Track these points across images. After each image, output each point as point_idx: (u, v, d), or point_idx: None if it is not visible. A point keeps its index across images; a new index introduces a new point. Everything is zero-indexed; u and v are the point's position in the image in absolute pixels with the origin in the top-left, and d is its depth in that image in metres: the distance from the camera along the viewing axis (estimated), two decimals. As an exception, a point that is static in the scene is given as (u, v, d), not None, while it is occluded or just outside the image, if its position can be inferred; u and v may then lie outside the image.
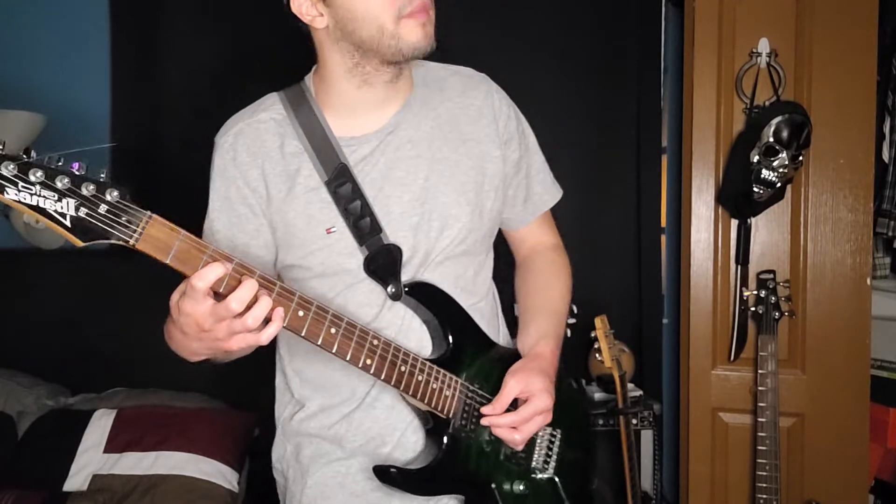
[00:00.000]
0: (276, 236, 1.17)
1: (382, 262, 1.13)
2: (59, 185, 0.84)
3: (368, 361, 1.06)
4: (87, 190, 0.86)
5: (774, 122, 2.00)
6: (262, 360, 2.59)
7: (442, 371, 1.15)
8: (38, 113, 2.36)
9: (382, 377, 1.09)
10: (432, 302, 1.17)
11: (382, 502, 1.18)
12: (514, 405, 1.18)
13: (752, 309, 2.04)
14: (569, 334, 2.31)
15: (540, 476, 1.26)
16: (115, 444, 2.06)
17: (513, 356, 1.25)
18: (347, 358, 1.05)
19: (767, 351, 2.00)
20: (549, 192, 1.35)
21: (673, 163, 2.60)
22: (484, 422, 1.16)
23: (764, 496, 1.97)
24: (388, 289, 1.14)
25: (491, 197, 1.22)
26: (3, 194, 0.82)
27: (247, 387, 2.40)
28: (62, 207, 0.84)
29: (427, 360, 1.15)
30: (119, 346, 2.38)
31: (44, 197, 0.84)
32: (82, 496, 1.95)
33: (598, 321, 2.13)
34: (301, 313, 1.00)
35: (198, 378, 2.36)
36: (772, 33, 2.11)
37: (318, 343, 1.02)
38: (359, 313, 1.14)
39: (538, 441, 1.26)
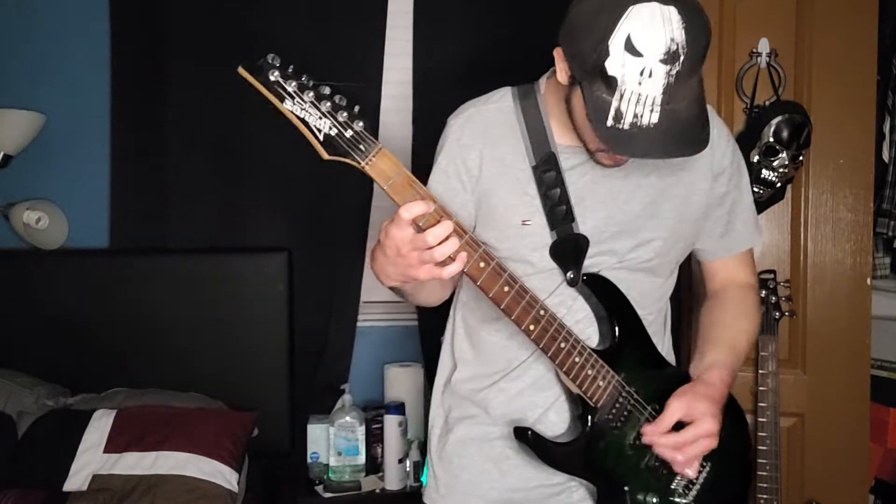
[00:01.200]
0: (478, 213, 1.27)
1: (568, 249, 1.21)
2: (322, 107, 1.04)
3: (532, 327, 1.14)
4: (342, 116, 1.04)
5: (774, 122, 2.00)
6: (263, 361, 2.60)
7: (600, 361, 1.20)
8: (38, 113, 2.35)
9: (541, 346, 1.16)
10: (607, 295, 1.22)
11: (512, 472, 1.25)
12: (679, 428, 1.18)
13: (753, 309, 2.04)
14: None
15: (678, 500, 1.26)
16: (115, 444, 2.06)
17: (678, 376, 1.27)
18: (513, 317, 1.14)
19: (768, 351, 2.00)
20: (749, 232, 1.37)
21: (673, 163, 2.60)
22: (645, 440, 1.18)
23: (764, 496, 1.97)
24: (567, 274, 1.21)
25: (690, 226, 1.28)
26: (282, 103, 1.03)
27: (247, 387, 2.41)
28: (321, 125, 1.04)
29: (589, 347, 1.20)
30: (119, 346, 2.37)
31: (309, 113, 1.04)
32: (82, 496, 1.95)
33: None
34: (482, 265, 1.10)
35: (198, 378, 2.36)
36: (772, 33, 2.11)
37: (490, 295, 1.12)
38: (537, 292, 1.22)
39: None
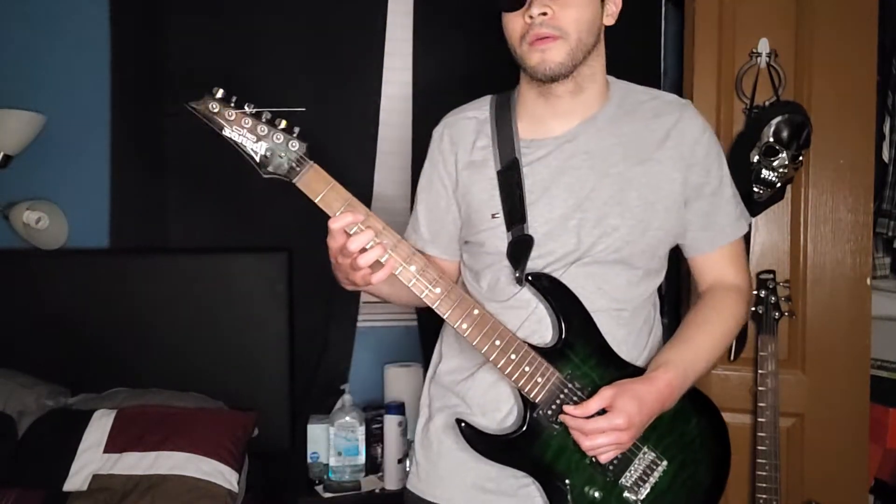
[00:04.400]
0: (460, 214, 1.37)
1: (519, 249, 1.26)
2: (259, 132, 1.18)
3: (465, 326, 1.22)
4: (278, 139, 1.19)
5: (774, 122, 2.00)
6: (263, 361, 2.60)
7: (539, 358, 1.23)
8: (38, 113, 2.35)
9: (475, 343, 1.22)
10: (550, 294, 1.26)
11: (486, 461, 1.27)
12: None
13: (752, 309, 2.04)
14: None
15: (626, 495, 1.26)
16: (115, 444, 2.06)
17: (630, 372, 1.26)
18: (446, 317, 1.22)
19: (767, 351, 2.00)
20: (731, 224, 1.36)
21: (673, 163, 2.59)
22: (562, 417, 1.21)
23: (764, 496, 1.97)
24: (516, 273, 1.27)
25: (660, 216, 1.29)
26: (222, 130, 1.18)
27: (247, 387, 2.41)
28: (257, 148, 1.19)
29: (529, 344, 1.24)
30: (119, 346, 2.38)
31: (247, 138, 1.19)
32: (82, 496, 1.95)
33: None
34: (412, 268, 1.19)
35: (198, 378, 2.37)
36: (772, 33, 2.11)
37: (422, 297, 1.21)
38: (502, 290, 1.30)
39: (635, 461, 1.26)
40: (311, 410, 2.51)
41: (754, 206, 2.07)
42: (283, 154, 1.18)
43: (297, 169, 1.19)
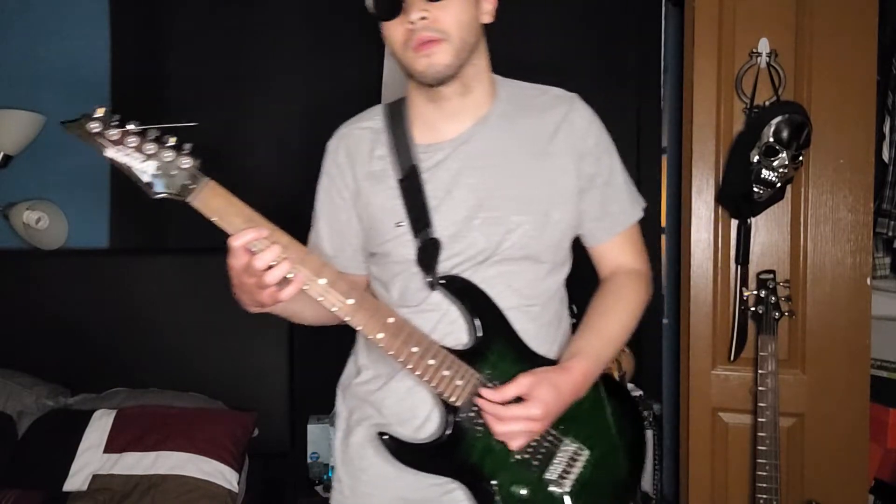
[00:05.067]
0: (362, 226, 1.34)
1: (428, 254, 1.25)
2: (146, 150, 1.09)
3: (380, 336, 1.18)
4: (167, 157, 1.09)
5: (774, 122, 2.00)
6: (262, 361, 2.60)
7: (458, 361, 1.22)
8: (38, 113, 2.36)
9: (392, 352, 1.19)
10: (463, 296, 1.25)
11: (408, 471, 1.25)
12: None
13: (752, 309, 2.04)
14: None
15: (552, 489, 1.26)
16: (115, 444, 2.06)
17: (545, 366, 1.26)
18: (360, 328, 1.18)
19: (767, 351, 2.00)
20: (625, 211, 1.38)
21: (673, 163, 2.60)
22: (476, 400, 1.20)
23: (764, 496, 1.97)
24: (426, 278, 1.25)
25: (560, 208, 1.29)
26: (104, 151, 1.08)
27: (247, 387, 2.41)
28: (145, 168, 1.09)
29: (446, 348, 1.22)
30: (119, 346, 2.38)
31: (133, 158, 1.09)
32: (82, 496, 1.95)
33: (598, 321, 2.12)
34: (322, 281, 1.15)
35: (198, 378, 2.37)
36: (772, 33, 2.11)
37: (334, 310, 1.16)
38: (413, 296, 1.28)
39: (558, 454, 1.27)
40: (311, 410, 2.51)
41: (754, 206, 2.07)
42: (173, 172, 1.10)
43: (191, 187, 1.11)
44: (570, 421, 1.26)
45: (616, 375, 2.14)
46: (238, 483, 2.08)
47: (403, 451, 1.24)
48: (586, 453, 1.29)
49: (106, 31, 2.46)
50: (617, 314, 1.34)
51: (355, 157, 1.33)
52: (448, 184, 1.27)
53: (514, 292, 1.27)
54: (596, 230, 1.37)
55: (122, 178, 2.78)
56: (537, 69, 2.53)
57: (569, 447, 1.28)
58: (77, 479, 2.00)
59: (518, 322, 1.27)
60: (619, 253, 1.39)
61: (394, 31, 1.21)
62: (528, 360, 1.26)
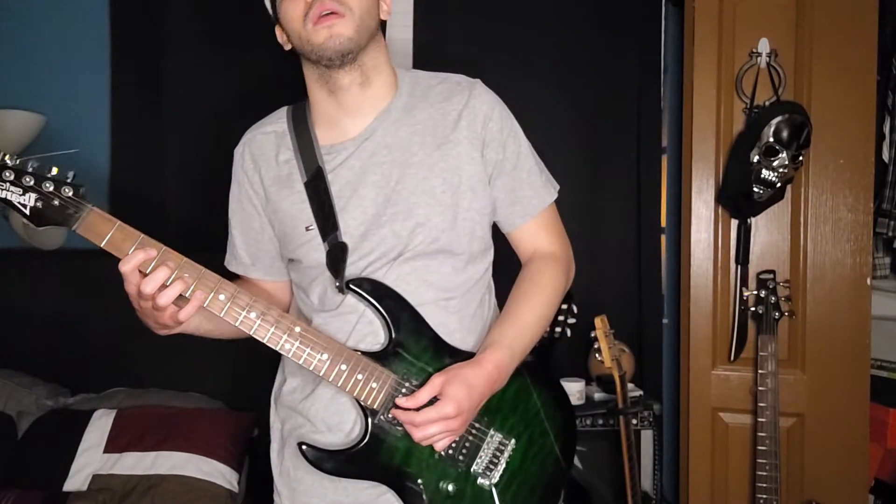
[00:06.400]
0: (275, 233, 1.32)
1: (336, 258, 1.23)
2: (25, 183, 1.09)
3: (287, 346, 1.17)
4: (47, 187, 1.10)
5: (774, 122, 2.00)
6: (262, 361, 2.59)
7: (371, 363, 1.20)
8: (38, 113, 2.36)
9: (301, 362, 1.18)
10: (372, 296, 1.22)
11: (338, 479, 1.24)
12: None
13: (752, 309, 2.04)
14: (569, 334, 2.33)
15: (481, 482, 1.25)
16: (115, 444, 2.06)
17: (464, 359, 1.24)
18: (265, 341, 1.17)
19: (767, 351, 2.00)
20: (538, 195, 1.35)
21: (673, 163, 2.60)
22: (392, 411, 1.19)
23: (764, 496, 1.97)
24: (336, 282, 1.23)
25: (468, 197, 1.27)
26: None
27: (246, 387, 2.41)
28: (25, 200, 1.10)
29: (359, 351, 1.21)
30: (119, 346, 2.38)
31: (11, 192, 1.09)
32: (82, 496, 1.95)
33: (598, 321, 2.13)
34: (221, 297, 1.14)
35: (198, 378, 2.37)
36: (772, 33, 2.11)
37: (237, 324, 1.15)
38: (330, 300, 1.26)
39: (483, 446, 1.26)
40: (310, 410, 2.51)
41: (754, 206, 2.07)
42: (55, 202, 1.10)
43: (75, 215, 1.11)
44: (494, 412, 1.25)
45: (616, 375, 2.14)
46: (238, 483, 2.08)
47: (322, 459, 1.22)
48: (512, 442, 1.27)
49: (106, 31, 2.46)
50: (531, 301, 1.30)
51: (260, 162, 1.31)
52: (354, 183, 1.24)
53: (431, 286, 1.25)
54: (509, 215, 1.34)
55: (122, 178, 2.77)
56: (536, 69, 2.55)
57: (494, 438, 1.26)
58: (77, 479, 2.00)
59: (436, 316, 1.25)
60: (534, 237, 1.36)
61: (292, 7, 1.19)
62: (446, 354, 1.24)
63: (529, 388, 1.31)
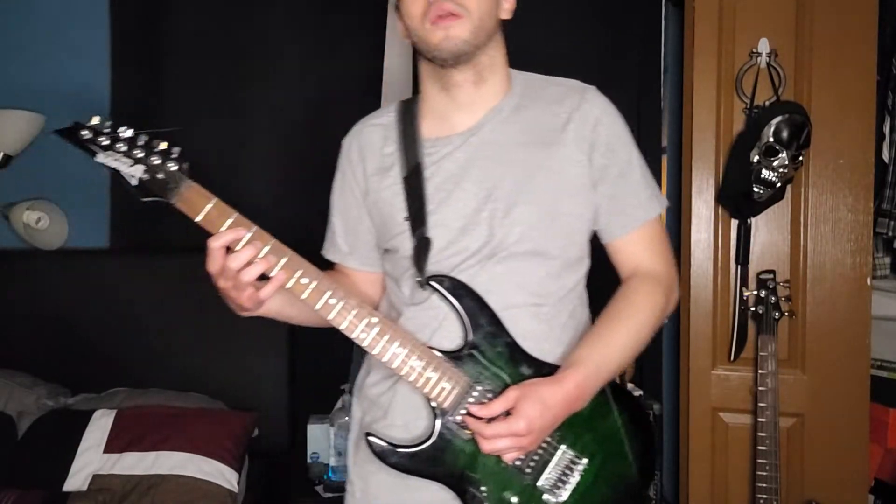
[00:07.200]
0: (374, 223, 1.34)
1: (419, 252, 1.24)
2: (134, 155, 1.12)
3: (363, 336, 1.18)
4: (154, 161, 1.13)
5: (774, 122, 2.00)
6: (263, 361, 2.60)
7: (445, 363, 1.19)
8: (38, 113, 2.35)
9: (376, 352, 1.18)
10: (452, 294, 1.22)
11: (413, 478, 1.23)
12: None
13: (752, 309, 2.04)
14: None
15: (546, 498, 1.22)
16: (115, 444, 2.06)
17: (544, 371, 1.21)
18: (342, 328, 1.17)
19: (767, 351, 2.00)
20: (642, 206, 1.31)
21: (673, 163, 2.60)
22: (463, 417, 1.17)
23: (764, 496, 1.97)
24: (417, 277, 1.24)
25: (568, 201, 1.26)
26: (94, 157, 1.13)
27: (247, 387, 2.41)
28: (133, 172, 1.13)
29: (434, 349, 1.20)
30: (119, 346, 2.38)
31: (122, 163, 1.13)
32: (82, 496, 1.95)
33: (598, 321, 2.12)
34: (304, 280, 1.15)
35: (198, 378, 2.37)
36: (772, 33, 2.11)
37: (316, 308, 1.16)
38: (419, 294, 1.26)
39: (552, 462, 1.22)
40: (311, 410, 2.51)
41: (754, 206, 2.07)
42: (160, 175, 1.13)
43: (176, 189, 1.14)
44: (566, 429, 1.21)
45: (616, 376, 2.14)
46: (238, 483, 2.07)
47: (387, 453, 1.21)
48: (584, 462, 1.23)
49: (106, 31, 2.46)
50: (625, 323, 1.27)
51: (366, 154, 1.33)
52: (456, 175, 1.25)
53: (522, 290, 1.23)
54: (610, 225, 1.31)
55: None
56: (536, 69, 2.54)
57: (565, 455, 1.22)
58: (77, 479, 2.00)
59: (527, 323, 1.23)
60: (635, 252, 1.32)
61: (413, 5, 1.21)
62: (524, 362, 1.22)
63: (609, 406, 1.26)
